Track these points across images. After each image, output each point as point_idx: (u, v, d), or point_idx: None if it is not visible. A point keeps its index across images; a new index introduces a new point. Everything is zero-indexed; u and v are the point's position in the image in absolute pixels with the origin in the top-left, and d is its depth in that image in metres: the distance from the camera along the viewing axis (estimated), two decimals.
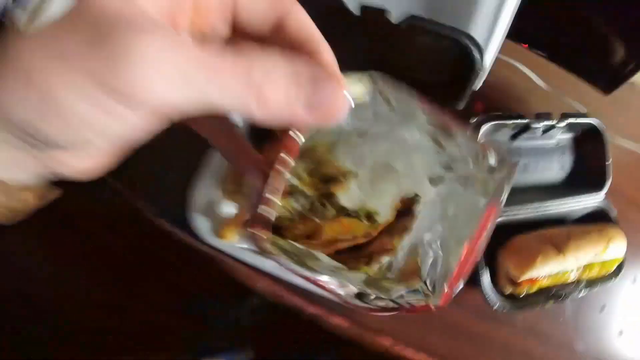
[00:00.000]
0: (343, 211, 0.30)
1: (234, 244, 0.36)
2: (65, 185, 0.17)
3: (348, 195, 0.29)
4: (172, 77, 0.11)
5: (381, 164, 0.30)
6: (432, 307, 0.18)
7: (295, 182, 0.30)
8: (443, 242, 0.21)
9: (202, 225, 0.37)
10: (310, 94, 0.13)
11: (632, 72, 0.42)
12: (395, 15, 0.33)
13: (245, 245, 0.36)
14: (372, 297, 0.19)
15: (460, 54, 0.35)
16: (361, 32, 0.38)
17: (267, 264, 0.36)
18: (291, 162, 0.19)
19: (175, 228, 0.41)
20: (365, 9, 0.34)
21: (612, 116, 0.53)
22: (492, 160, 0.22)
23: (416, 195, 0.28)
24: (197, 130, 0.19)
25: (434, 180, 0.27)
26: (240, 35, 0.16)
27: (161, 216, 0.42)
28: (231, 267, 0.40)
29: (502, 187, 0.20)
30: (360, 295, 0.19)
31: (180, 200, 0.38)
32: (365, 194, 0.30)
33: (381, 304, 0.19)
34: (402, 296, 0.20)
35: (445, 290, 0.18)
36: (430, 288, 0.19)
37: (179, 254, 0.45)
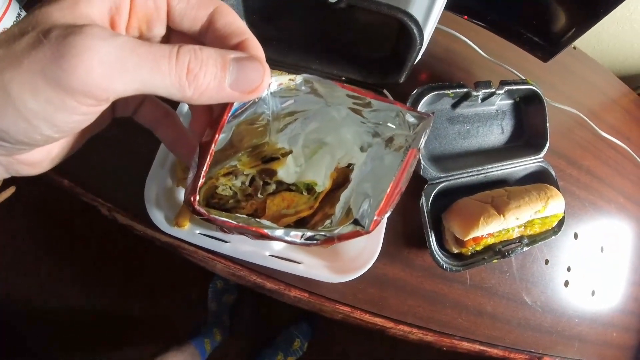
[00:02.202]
0: (283, 186, 0.32)
1: (191, 230, 0.37)
2: (18, 182, 0.18)
3: (286, 171, 0.31)
4: (110, 65, 0.13)
5: (313, 140, 0.31)
6: (363, 233, 0.21)
7: (235, 162, 0.31)
8: (373, 188, 0.24)
9: (157, 215, 0.37)
10: (234, 74, 0.15)
11: (571, 40, 0.44)
12: None
13: (200, 231, 0.37)
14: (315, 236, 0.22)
15: (399, 31, 0.36)
16: (303, 13, 0.38)
17: (225, 247, 0.36)
18: (217, 137, 0.21)
19: (133, 221, 0.41)
20: None
21: (551, 80, 0.56)
22: (411, 119, 0.24)
23: (349, 164, 0.30)
24: (140, 121, 0.21)
25: (364, 148, 0.29)
26: (175, 33, 0.18)
27: (117, 211, 0.42)
28: (191, 252, 0.40)
29: (419, 136, 0.23)
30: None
31: (136, 194, 0.38)
32: (301, 168, 0.32)
33: (320, 238, 0.22)
34: (339, 231, 0.23)
35: (375, 219, 0.21)
36: (362, 222, 0.22)
37: (139, 243, 0.45)
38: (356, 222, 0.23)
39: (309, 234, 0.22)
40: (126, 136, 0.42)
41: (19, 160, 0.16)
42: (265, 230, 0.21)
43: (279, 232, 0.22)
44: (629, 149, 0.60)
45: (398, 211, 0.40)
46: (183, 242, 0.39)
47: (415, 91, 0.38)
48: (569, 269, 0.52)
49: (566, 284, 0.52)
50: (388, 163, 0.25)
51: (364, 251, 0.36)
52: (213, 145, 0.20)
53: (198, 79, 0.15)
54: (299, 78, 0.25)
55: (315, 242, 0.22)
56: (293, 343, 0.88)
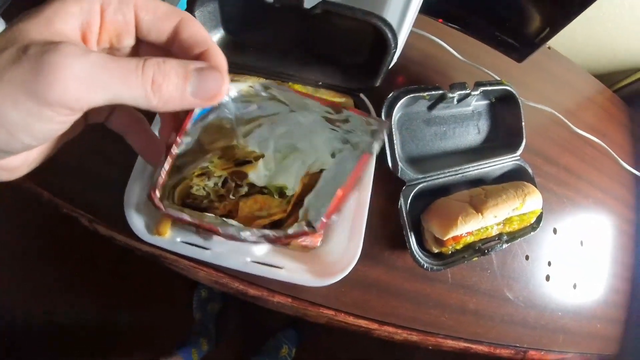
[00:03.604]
0: (256, 189, 0.33)
1: (172, 238, 0.37)
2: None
3: (256, 174, 0.32)
4: (84, 80, 0.14)
5: (285, 145, 0.32)
6: (309, 233, 0.23)
7: (207, 164, 0.32)
8: (330, 193, 0.25)
9: (138, 224, 0.37)
10: (195, 83, 0.17)
11: (544, 40, 0.45)
12: (311, 1, 0.34)
13: (181, 239, 0.37)
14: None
15: (374, 35, 0.37)
16: (278, 19, 0.38)
17: (206, 254, 0.36)
18: (179, 139, 0.22)
19: (113, 231, 0.41)
20: None
21: (526, 80, 0.58)
22: (374, 126, 0.25)
23: (322, 169, 0.31)
24: (112, 127, 0.22)
25: (334, 154, 0.30)
26: (144, 44, 0.19)
27: (98, 222, 0.42)
28: (172, 260, 0.40)
29: (374, 142, 0.24)
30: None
31: (116, 202, 0.38)
32: (271, 171, 0.33)
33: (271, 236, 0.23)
34: (289, 231, 0.24)
35: (322, 220, 0.22)
36: (313, 224, 0.23)
37: (124, 252, 0.44)
38: (308, 223, 0.24)
39: (260, 232, 0.23)
40: (104, 144, 0.41)
41: None
42: (218, 228, 0.22)
43: (232, 230, 0.23)
44: (605, 145, 0.62)
45: (377, 213, 0.41)
46: (165, 250, 0.38)
47: (390, 94, 0.39)
48: (549, 264, 0.54)
49: (547, 278, 0.53)
50: (349, 168, 0.26)
51: (345, 254, 0.37)
52: (174, 146, 0.22)
53: (162, 89, 0.16)
54: (257, 85, 0.27)
55: (265, 240, 0.22)
56: (281, 350, 0.88)
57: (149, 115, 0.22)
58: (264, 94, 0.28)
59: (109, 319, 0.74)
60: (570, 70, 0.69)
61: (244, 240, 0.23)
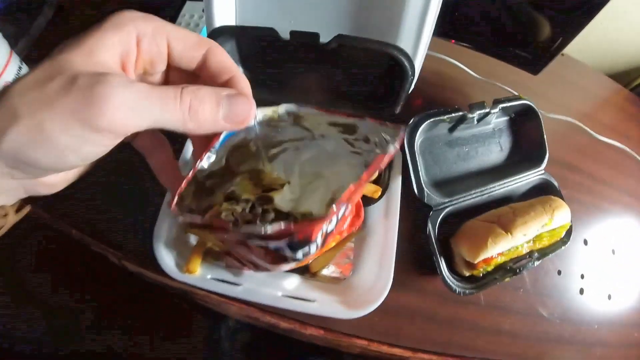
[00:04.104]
0: (281, 216, 0.33)
1: (202, 276, 0.37)
2: (34, 201, 0.21)
3: (282, 199, 0.32)
4: (130, 108, 0.16)
5: (309, 171, 0.33)
6: (317, 220, 0.22)
7: (234, 188, 0.32)
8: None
9: (168, 262, 0.38)
10: (226, 108, 0.19)
11: (558, 50, 0.45)
12: (325, 35, 0.35)
13: (211, 276, 0.37)
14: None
15: (390, 64, 0.37)
16: (295, 55, 0.39)
17: (238, 290, 0.37)
18: (204, 155, 0.24)
19: (142, 268, 0.42)
20: (294, 33, 0.35)
21: (543, 90, 0.57)
22: (387, 136, 0.26)
23: None
24: (136, 146, 0.24)
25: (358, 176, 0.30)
26: (174, 69, 0.21)
27: (127, 259, 0.43)
28: (203, 296, 0.40)
29: (389, 144, 0.25)
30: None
31: (145, 240, 0.39)
32: (295, 196, 0.33)
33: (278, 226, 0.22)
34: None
35: (333, 210, 0.22)
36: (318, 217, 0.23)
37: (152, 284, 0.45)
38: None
39: (269, 226, 0.22)
40: (132, 182, 0.43)
41: (39, 182, 0.19)
42: (230, 225, 0.22)
43: (242, 228, 0.23)
44: (627, 149, 0.60)
45: (405, 238, 0.40)
46: (195, 287, 0.39)
47: (411, 121, 0.39)
48: (582, 277, 0.52)
49: (581, 291, 0.52)
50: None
51: (376, 283, 0.37)
52: (199, 161, 0.23)
53: (198, 114, 0.18)
54: (281, 108, 0.29)
55: (282, 229, 0.21)
56: None
57: (171, 138, 0.23)
58: (287, 118, 0.29)
59: (137, 350, 0.74)
60: (585, 75, 0.68)
61: (261, 236, 0.23)
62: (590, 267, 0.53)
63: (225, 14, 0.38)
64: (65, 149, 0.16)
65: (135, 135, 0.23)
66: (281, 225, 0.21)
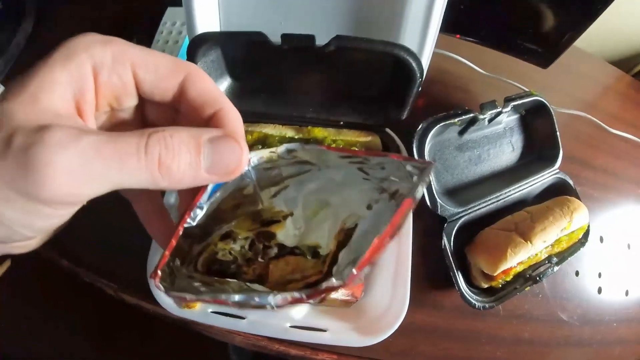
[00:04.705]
0: (286, 249, 0.30)
1: (202, 310, 0.34)
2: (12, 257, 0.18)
3: (285, 233, 0.29)
4: (76, 173, 0.12)
5: (314, 201, 0.29)
6: (337, 287, 0.18)
7: (231, 227, 0.29)
8: (364, 244, 0.21)
9: (165, 298, 0.35)
10: (210, 158, 0.15)
11: (568, 43, 0.42)
12: (321, 37, 0.32)
13: (212, 309, 0.34)
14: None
15: (396, 65, 0.34)
16: (288, 60, 0.35)
17: (242, 324, 0.34)
18: (187, 217, 0.20)
19: (141, 301, 0.39)
20: (286, 37, 0.32)
21: (549, 82, 0.54)
22: (410, 168, 0.22)
23: (356, 224, 0.28)
24: (121, 192, 0.19)
25: (371, 206, 0.27)
26: (151, 102, 0.17)
27: (123, 291, 0.40)
28: (206, 328, 0.38)
29: (416, 186, 0.21)
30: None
31: (141, 271, 0.36)
32: (300, 230, 0.30)
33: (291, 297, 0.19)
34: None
35: (353, 273, 0.18)
36: (340, 277, 0.19)
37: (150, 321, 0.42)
38: (335, 276, 0.21)
39: (285, 295, 0.19)
40: (123, 213, 0.39)
41: (9, 246, 0.16)
42: (229, 302, 0.19)
43: (245, 301, 0.19)
44: (636, 138, 0.58)
45: (419, 252, 0.38)
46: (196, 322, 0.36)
47: (420, 127, 0.36)
48: (599, 275, 0.50)
49: (599, 290, 0.50)
50: (386, 217, 0.23)
51: (392, 306, 0.34)
52: (180, 227, 0.19)
53: (171, 170, 0.14)
54: (280, 149, 0.24)
55: (290, 302, 0.18)
56: None
57: None
58: (288, 156, 0.26)
59: None
60: (589, 63, 0.65)
61: (267, 307, 0.20)
62: (607, 264, 0.51)
63: (208, 18, 0.34)
64: (14, 224, 0.13)
65: None
66: (290, 297, 0.17)
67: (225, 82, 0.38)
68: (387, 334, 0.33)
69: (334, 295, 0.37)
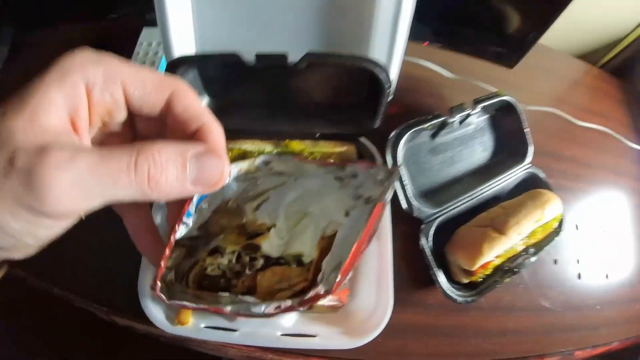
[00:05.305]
0: (271, 260, 0.31)
1: (195, 326, 0.35)
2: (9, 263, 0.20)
3: (269, 244, 0.31)
4: (74, 190, 0.14)
5: (296, 211, 0.31)
6: (324, 295, 0.20)
7: (219, 242, 0.30)
8: (345, 250, 0.23)
9: (157, 315, 0.35)
10: (195, 171, 0.16)
11: (532, 42, 0.44)
12: (293, 52, 0.33)
13: (205, 324, 0.35)
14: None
15: (366, 77, 0.36)
16: (263, 78, 0.37)
17: (234, 336, 0.35)
18: (177, 228, 0.22)
19: (133, 322, 0.39)
20: (259, 57, 0.33)
21: (517, 81, 0.56)
22: (379, 174, 0.24)
23: (336, 232, 0.29)
24: (113, 207, 0.21)
25: (348, 212, 0.28)
26: (141, 117, 0.18)
27: (115, 314, 0.40)
28: (200, 343, 0.38)
29: (386, 190, 0.23)
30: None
31: (132, 292, 0.37)
32: (284, 240, 0.31)
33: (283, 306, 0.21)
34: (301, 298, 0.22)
35: (338, 280, 0.20)
36: (326, 285, 0.21)
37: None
38: (321, 284, 0.22)
39: (275, 303, 0.21)
40: (112, 228, 0.40)
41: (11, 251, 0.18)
42: (223, 308, 0.20)
43: (245, 307, 0.22)
44: (606, 129, 0.61)
45: (400, 256, 0.39)
46: (189, 338, 0.37)
47: (392, 134, 0.38)
48: (578, 262, 0.52)
49: (579, 276, 0.52)
50: (362, 223, 0.24)
51: (377, 308, 0.35)
52: (172, 235, 0.21)
53: (160, 184, 0.15)
54: (257, 160, 0.27)
55: (282, 310, 0.21)
56: None
57: None
58: (265, 168, 0.27)
59: None
60: (555, 59, 0.68)
61: (261, 315, 0.21)
62: (584, 250, 0.53)
63: (183, 41, 0.35)
64: (19, 234, 0.15)
65: None
66: (282, 305, 0.19)
67: (203, 101, 0.39)
68: (374, 335, 0.35)
69: (321, 302, 0.38)
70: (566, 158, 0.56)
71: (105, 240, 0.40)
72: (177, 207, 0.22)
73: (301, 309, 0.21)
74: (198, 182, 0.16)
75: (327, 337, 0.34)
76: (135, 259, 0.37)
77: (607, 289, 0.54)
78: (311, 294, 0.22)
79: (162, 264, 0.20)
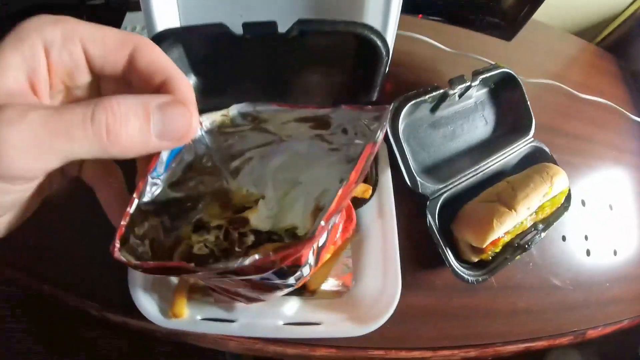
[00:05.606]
0: (263, 236, 0.28)
1: (191, 318, 0.33)
2: None
3: (258, 218, 0.28)
4: (25, 147, 0.13)
5: (285, 180, 0.28)
6: (307, 242, 0.17)
7: (201, 215, 0.27)
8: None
9: (150, 309, 0.33)
10: (159, 123, 0.15)
11: (528, 15, 0.43)
12: (283, 24, 0.31)
13: (201, 316, 0.33)
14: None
15: (362, 46, 0.34)
16: (252, 50, 0.35)
17: (233, 328, 0.32)
18: (141, 186, 0.19)
19: (126, 318, 0.37)
20: (247, 26, 0.31)
21: (515, 56, 0.55)
22: (367, 119, 0.22)
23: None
24: (84, 179, 0.20)
25: (344, 179, 0.26)
26: (105, 78, 0.17)
27: (107, 310, 0.38)
28: (199, 337, 0.36)
29: (376, 131, 0.20)
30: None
31: (123, 286, 0.34)
32: (273, 211, 0.28)
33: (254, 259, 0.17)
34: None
35: (321, 224, 0.17)
36: (308, 236, 0.18)
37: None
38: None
39: (241, 260, 0.17)
40: (97, 220, 0.38)
41: None
42: (191, 265, 0.17)
43: (221, 265, 0.18)
44: (607, 102, 0.60)
45: (406, 236, 0.37)
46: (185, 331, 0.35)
47: (391, 106, 0.36)
48: (586, 238, 0.51)
49: (588, 253, 0.51)
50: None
51: (384, 291, 0.33)
52: (135, 194, 0.19)
53: (120, 137, 0.14)
54: (232, 110, 0.23)
55: (250, 264, 0.16)
56: None
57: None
58: (243, 122, 0.25)
59: None
60: (552, 35, 0.67)
61: (236, 272, 0.18)
62: (592, 226, 0.52)
63: (167, 15, 0.33)
64: None
65: (79, 165, 0.20)
66: (255, 257, 0.16)
67: (190, 80, 0.37)
68: (383, 320, 0.33)
69: (324, 287, 0.36)
70: (568, 132, 0.55)
71: (93, 234, 0.38)
72: (146, 166, 0.20)
73: (283, 266, 0.17)
74: (164, 135, 0.15)
75: (332, 325, 0.32)
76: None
77: (616, 265, 0.53)
78: (293, 244, 0.19)
79: (122, 222, 0.17)
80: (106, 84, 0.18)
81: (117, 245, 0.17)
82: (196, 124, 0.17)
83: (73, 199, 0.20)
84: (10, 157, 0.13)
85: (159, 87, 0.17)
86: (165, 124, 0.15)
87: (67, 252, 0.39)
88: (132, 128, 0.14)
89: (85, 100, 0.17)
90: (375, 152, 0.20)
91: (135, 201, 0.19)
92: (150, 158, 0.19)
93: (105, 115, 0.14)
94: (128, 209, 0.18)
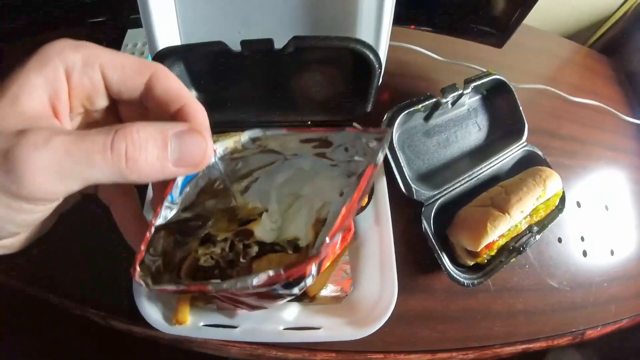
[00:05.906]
0: (266, 247, 0.30)
1: (194, 324, 0.34)
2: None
3: (262, 229, 0.29)
4: (50, 172, 0.14)
5: (287, 194, 0.29)
6: (313, 259, 0.18)
7: (209, 230, 0.29)
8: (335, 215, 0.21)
9: (154, 316, 0.34)
10: (176, 151, 0.16)
11: (518, 21, 0.44)
12: (279, 39, 0.32)
13: (204, 322, 0.34)
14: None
15: (355, 59, 0.35)
16: (250, 67, 0.36)
17: (235, 333, 0.33)
18: (159, 211, 0.20)
19: (130, 325, 0.38)
20: (245, 43, 0.32)
21: (507, 61, 0.56)
22: (369, 140, 0.23)
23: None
24: (101, 198, 0.21)
25: (343, 192, 0.27)
26: (123, 102, 0.18)
27: (112, 317, 0.39)
28: (201, 344, 0.37)
29: (376, 153, 0.22)
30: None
31: (127, 294, 0.35)
32: (277, 224, 0.30)
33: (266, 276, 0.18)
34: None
35: (325, 242, 0.18)
36: (314, 251, 0.19)
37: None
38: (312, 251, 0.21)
39: (255, 278, 0.19)
40: (103, 230, 0.39)
41: None
42: (209, 287, 0.18)
43: (226, 285, 0.19)
44: (600, 104, 0.60)
45: (401, 240, 0.38)
46: (189, 337, 0.35)
47: (385, 117, 0.37)
48: (582, 239, 0.52)
49: (584, 254, 0.51)
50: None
51: (382, 295, 0.34)
52: (153, 219, 0.20)
53: (139, 164, 0.15)
54: (243, 136, 0.25)
55: (268, 281, 0.18)
56: None
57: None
58: (252, 146, 0.26)
59: None
60: (544, 39, 0.68)
61: (249, 290, 0.19)
62: (588, 228, 0.52)
63: (168, 33, 0.35)
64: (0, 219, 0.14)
65: (96, 185, 0.20)
66: (269, 274, 0.17)
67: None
68: (380, 323, 0.34)
69: (323, 292, 0.37)
70: (562, 135, 0.56)
71: (98, 243, 0.39)
72: (161, 191, 0.21)
73: (290, 279, 0.19)
74: (180, 162, 0.16)
75: (331, 329, 0.33)
76: (130, 259, 0.36)
77: (613, 265, 0.53)
78: (299, 261, 0.20)
79: (142, 247, 0.18)
80: (124, 108, 0.19)
81: (138, 269, 0.18)
82: (211, 152, 0.17)
83: (79, 209, 0.21)
84: (35, 181, 0.13)
85: (175, 114, 0.18)
86: (182, 151, 0.16)
87: (73, 261, 0.40)
88: (150, 155, 0.15)
89: (103, 124, 0.18)
90: (376, 173, 0.21)
91: (155, 225, 0.20)
92: (167, 183, 0.20)
93: (125, 143, 0.14)
94: (147, 234, 0.19)
